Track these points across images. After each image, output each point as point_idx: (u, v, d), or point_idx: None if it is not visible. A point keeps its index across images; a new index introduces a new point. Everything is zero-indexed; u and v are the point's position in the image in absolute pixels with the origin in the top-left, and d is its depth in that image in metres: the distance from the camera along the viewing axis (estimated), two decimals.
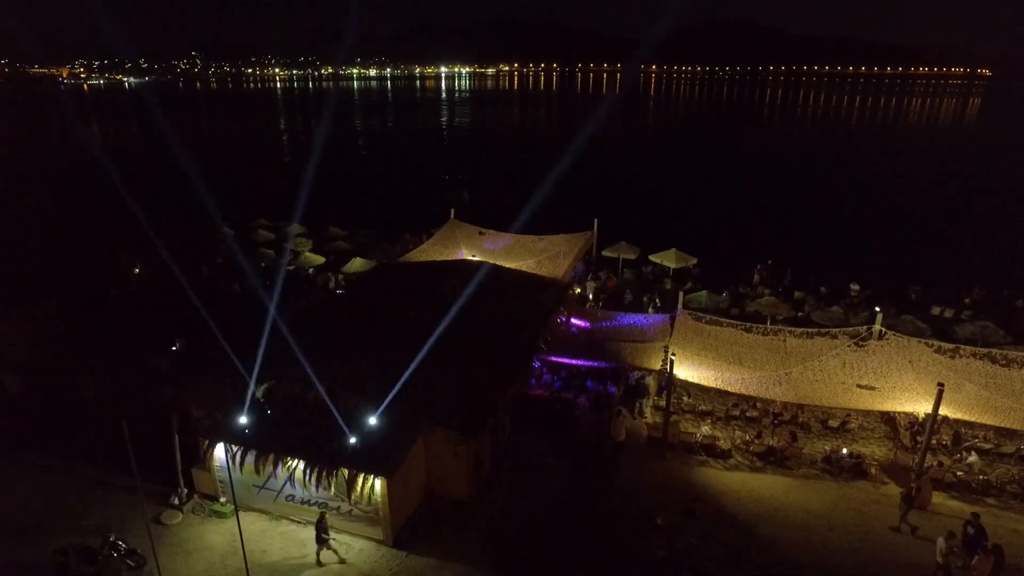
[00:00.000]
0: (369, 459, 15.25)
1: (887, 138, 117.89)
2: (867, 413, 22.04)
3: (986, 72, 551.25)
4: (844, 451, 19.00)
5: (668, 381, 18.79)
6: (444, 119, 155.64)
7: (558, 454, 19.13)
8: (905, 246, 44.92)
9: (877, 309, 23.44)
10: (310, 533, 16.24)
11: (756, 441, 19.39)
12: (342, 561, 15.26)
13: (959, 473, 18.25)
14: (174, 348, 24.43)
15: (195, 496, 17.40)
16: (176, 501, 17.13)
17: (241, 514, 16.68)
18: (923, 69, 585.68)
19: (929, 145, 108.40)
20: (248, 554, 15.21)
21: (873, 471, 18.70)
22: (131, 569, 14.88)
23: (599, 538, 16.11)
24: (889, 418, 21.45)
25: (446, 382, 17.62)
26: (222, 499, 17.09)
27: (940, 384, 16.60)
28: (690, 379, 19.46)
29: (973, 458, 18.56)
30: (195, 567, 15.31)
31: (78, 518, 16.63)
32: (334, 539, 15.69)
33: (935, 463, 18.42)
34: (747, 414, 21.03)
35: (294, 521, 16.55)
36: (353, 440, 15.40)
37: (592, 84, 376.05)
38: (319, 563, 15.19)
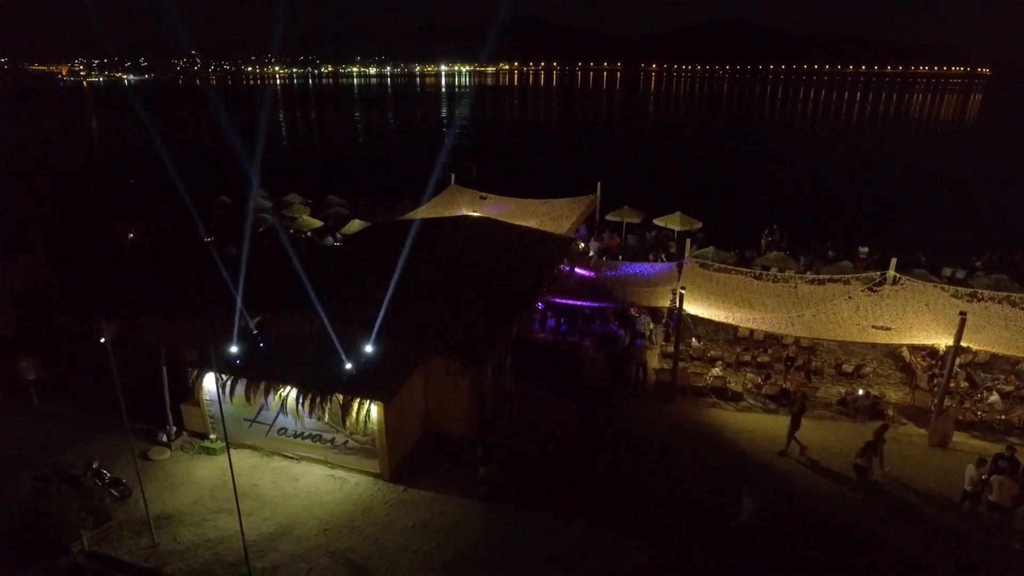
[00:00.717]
0: (366, 385, 14.53)
1: (891, 124, 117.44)
2: (881, 361, 21.44)
3: (986, 71, 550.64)
4: (860, 392, 18.29)
5: (677, 318, 18.07)
6: (444, 107, 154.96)
7: (563, 396, 18.41)
8: (913, 219, 44.23)
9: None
10: (303, 468, 15.57)
11: (768, 383, 18.66)
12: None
13: (980, 413, 17.55)
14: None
15: (184, 433, 16.65)
16: (164, 438, 16.39)
17: (232, 451, 15.96)
18: (923, 68, 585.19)
19: (934, 129, 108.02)
20: (238, 488, 14.54)
21: (890, 412, 17.98)
22: (115, 499, 14.16)
23: (602, 477, 15.37)
24: (905, 364, 20.77)
25: (447, 317, 16.91)
26: (212, 436, 16.34)
27: (962, 313, 15.89)
28: (700, 315, 18.71)
29: (994, 398, 17.87)
30: (182, 499, 14.58)
31: (63, 454, 15.85)
32: (332, 475, 15.04)
33: (955, 403, 17.73)
34: (758, 359, 20.31)
35: (287, 457, 15.81)
36: (350, 366, 14.69)
37: (592, 81, 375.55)
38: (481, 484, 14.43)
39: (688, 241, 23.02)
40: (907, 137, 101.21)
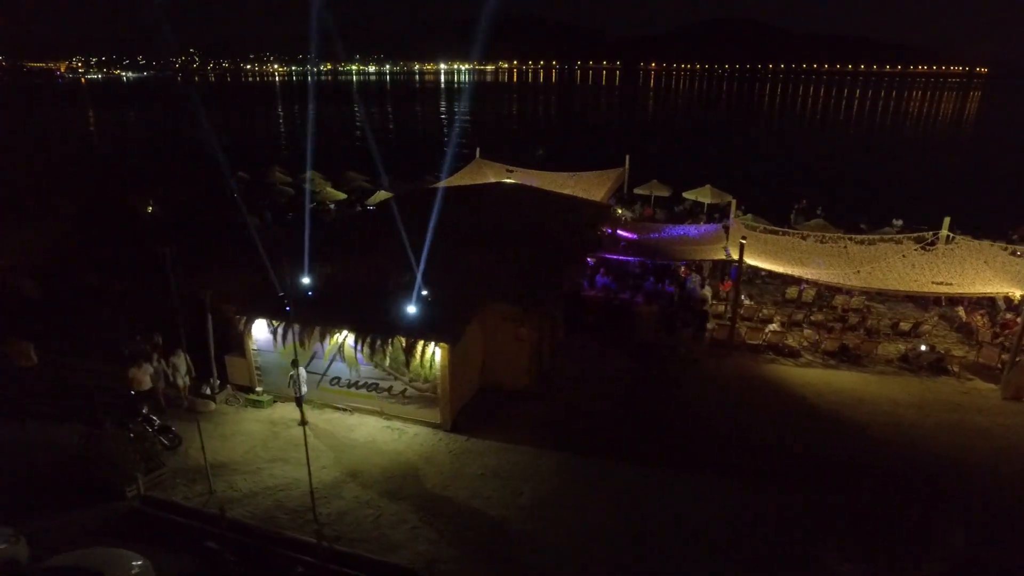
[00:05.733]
0: (427, 328, 13.91)
1: (901, 114, 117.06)
2: (935, 324, 20.91)
3: (983, 70, 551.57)
4: (923, 347, 17.73)
5: (736, 271, 17.50)
6: (444, 101, 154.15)
7: (617, 350, 17.82)
8: (941, 201, 43.64)
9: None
10: (356, 419, 14.97)
11: (827, 338, 18.09)
12: None
13: None
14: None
15: (228, 387, 16.02)
16: (208, 391, 15.76)
17: (280, 404, 15.42)
18: (923, 67, 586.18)
19: (939, 120, 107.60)
20: (291, 439, 13.97)
21: (956, 368, 17.44)
22: (165, 448, 13.52)
23: (664, 427, 14.83)
24: (962, 324, 20.22)
25: (499, 268, 16.34)
26: (259, 388, 15.69)
27: None
28: (761, 267, 18.13)
29: None
30: (234, 450, 13.94)
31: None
32: (388, 426, 14.44)
33: None
34: (812, 318, 19.75)
35: (338, 408, 15.17)
36: (412, 309, 14.05)
37: (592, 78, 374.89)
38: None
39: (733, 203, 22.38)
40: (916, 125, 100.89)
